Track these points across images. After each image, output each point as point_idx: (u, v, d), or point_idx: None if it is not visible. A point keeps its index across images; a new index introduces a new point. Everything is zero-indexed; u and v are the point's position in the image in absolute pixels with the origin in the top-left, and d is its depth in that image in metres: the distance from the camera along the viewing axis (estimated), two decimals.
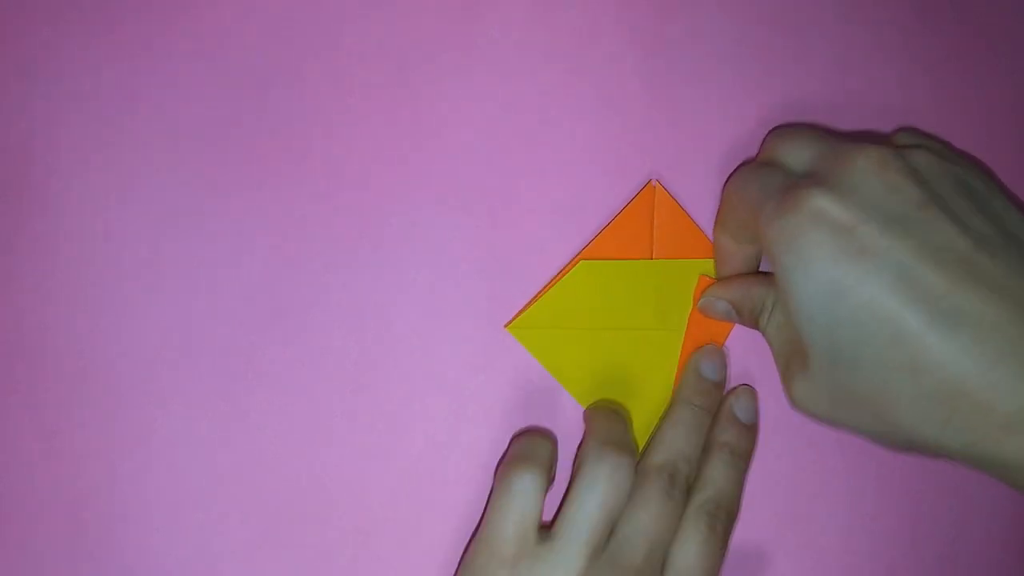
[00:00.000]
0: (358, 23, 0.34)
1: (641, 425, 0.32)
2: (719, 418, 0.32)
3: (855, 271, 0.24)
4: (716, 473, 0.30)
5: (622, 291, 0.32)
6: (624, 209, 0.33)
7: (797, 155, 0.28)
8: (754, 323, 0.30)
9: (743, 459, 0.31)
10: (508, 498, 0.29)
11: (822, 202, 0.24)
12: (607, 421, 0.31)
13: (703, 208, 0.33)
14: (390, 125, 0.34)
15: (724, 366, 0.32)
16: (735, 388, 0.32)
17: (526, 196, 0.33)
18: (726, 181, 0.31)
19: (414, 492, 0.32)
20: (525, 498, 0.28)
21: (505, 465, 0.30)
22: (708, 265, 0.32)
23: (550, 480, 0.30)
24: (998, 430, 0.22)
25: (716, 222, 0.31)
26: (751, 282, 0.30)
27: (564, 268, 0.33)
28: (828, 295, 0.24)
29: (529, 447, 0.30)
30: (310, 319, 0.33)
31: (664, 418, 0.32)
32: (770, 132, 0.31)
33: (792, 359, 0.27)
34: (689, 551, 0.29)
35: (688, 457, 0.30)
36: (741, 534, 0.32)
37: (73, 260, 0.33)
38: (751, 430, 0.32)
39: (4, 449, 0.32)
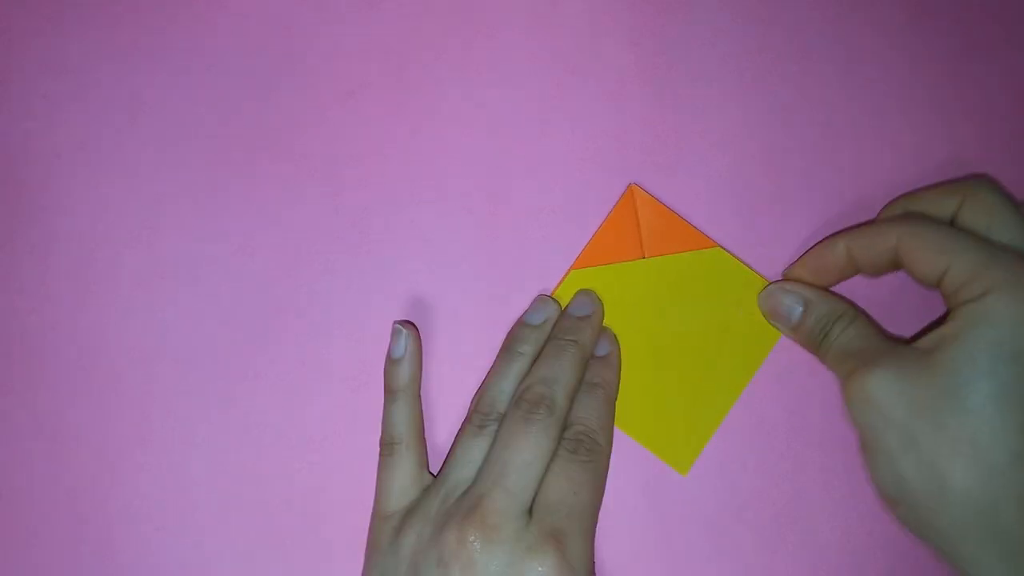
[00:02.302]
0: (358, 23, 0.34)
1: (646, 424, 0.32)
2: (560, 318, 0.32)
3: (1010, 365, 0.25)
4: (576, 405, 0.30)
5: (618, 294, 0.32)
6: (608, 217, 0.33)
7: (1008, 231, 0.28)
8: (819, 329, 0.30)
9: (601, 388, 0.31)
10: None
11: None
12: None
13: (702, 208, 0.33)
14: (390, 126, 0.34)
15: (594, 301, 0.32)
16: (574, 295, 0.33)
17: (527, 196, 0.33)
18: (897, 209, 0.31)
19: None
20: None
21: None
22: (702, 256, 0.32)
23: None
24: None
25: (844, 234, 0.31)
26: (828, 292, 0.31)
27: (558, 283, 0.33)
28: (1013, 353, 0.25)
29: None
30: (310, 319, 0.33)
31: None
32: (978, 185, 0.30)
33: (874, 356, 0.28)
34: (550, 481, 0.29)
35: (548, 380, 0.30)
36: (741, 534, 0.32)
37: (73, 260, 0.33)
38: (606, 360, 0.32)
39: (4, 449, 0.32)
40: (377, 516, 0.31)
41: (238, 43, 0.34)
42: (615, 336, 0.32)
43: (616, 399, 0.32)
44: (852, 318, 0.30)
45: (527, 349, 0.31)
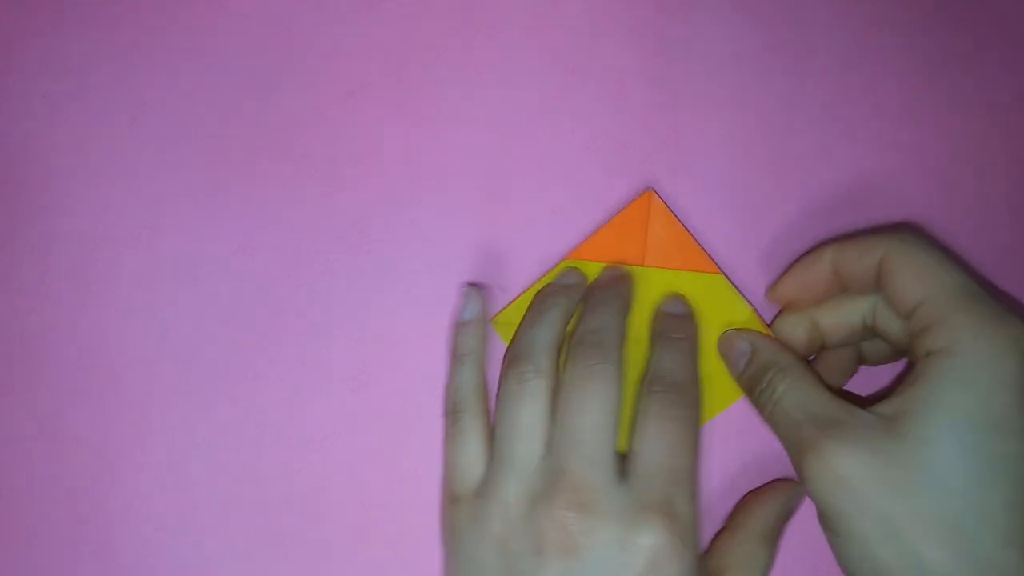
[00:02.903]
0: (358, 23, 0.34)
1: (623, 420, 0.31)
2: (653, 323, 0.31)
3: (991, 437, 0.23)
4: (655, 360, 0.29)
5: None
6: (618, 214, 0.32)
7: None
8: (759, 377, 0.28)
9: (684, 340, 0.29)
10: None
11: None
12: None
13: (702, 209, 0.33)
14: (390, 125, 0.34)
15: (620, 272, 0.31)
16: (663, 298, 0.31)
17: (526, 196, 0.33)
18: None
19: (414, 492, 0.32)
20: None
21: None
22: (700, 279, 0.32)
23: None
24: None
25: (829, 245, 0.29)
26: (780, 343, 0.29)
27: (549, 270, 0.32)
28: (993, 422, 0.23)
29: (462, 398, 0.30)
30: (310, 319, 0.33)
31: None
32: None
33: (833, 427, 0.25)
34: (645, 442, 0.27)
35: (599, 329, 0.28)
36: None
37: (73, 260, 0.33)
38: (683, 317, 0.30)
39: (4, 449, 0.32)
40: (448, 498, 0.29)
41: (238, 43, 0.34)
42: (689, 302, 0.31)
43: (698, 356, 0.30)
44: (799, 375, 0.27)
45: (560, 301, 0.29)
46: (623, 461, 0.27)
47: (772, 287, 0.31)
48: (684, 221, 0.33)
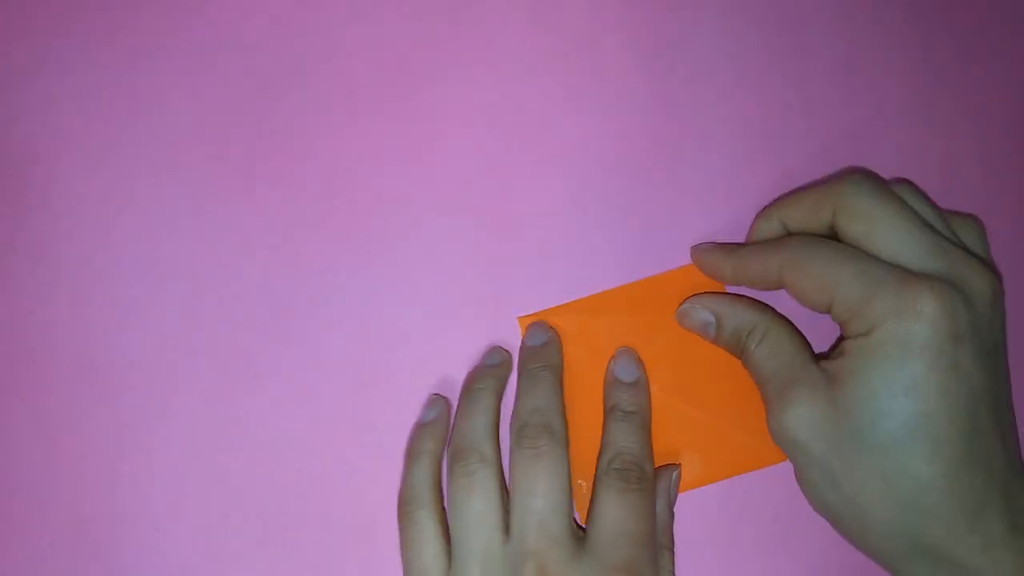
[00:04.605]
0: (358, 24, 0.34)
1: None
2: (605, 385, 0.32)
3: (939, 381, 0.25)
4: (614, 435, 0.30)
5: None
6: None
7: (901, 240, 0.27)
8: (734, 342, 0.30)
9: (635, 414, 0.30)
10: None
11: (947, 304, 0.25)
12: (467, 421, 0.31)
13: (702, 208, 0.33)
14: (390, 126, 0.34)
15: (546, 331, 0.32)
16: (615, 353, 0.32)
17: (527, 196, 0.33)
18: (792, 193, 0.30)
19: None
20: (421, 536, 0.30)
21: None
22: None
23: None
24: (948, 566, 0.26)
25: (729, 262, 0.31)
26: (742, 302, 0.30)
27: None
28: (904, 387, 0.25)
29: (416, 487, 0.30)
30: (311, 319, 0.33)
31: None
32: (850, 178, 0.29)
33: (788, 386, 0.28)
34: (606, 511, 0.28)
35: (540, 409, 0.29)
36: (741, 534, 0.32)
37: (73, 260, 0.33)
38: (636, 386, 0.31)
39: (4, 449, 0.32)
40: None
41: (238, 43, 0.34)
42: (640, 360, 0.32)
43: (649, 426, 0.31)
44: (765, 331, 0.29)
45: (490, 383, 0.31)
46: (578, 530, 0.29)
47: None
48: (684, 221, 0.33)
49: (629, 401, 0.31)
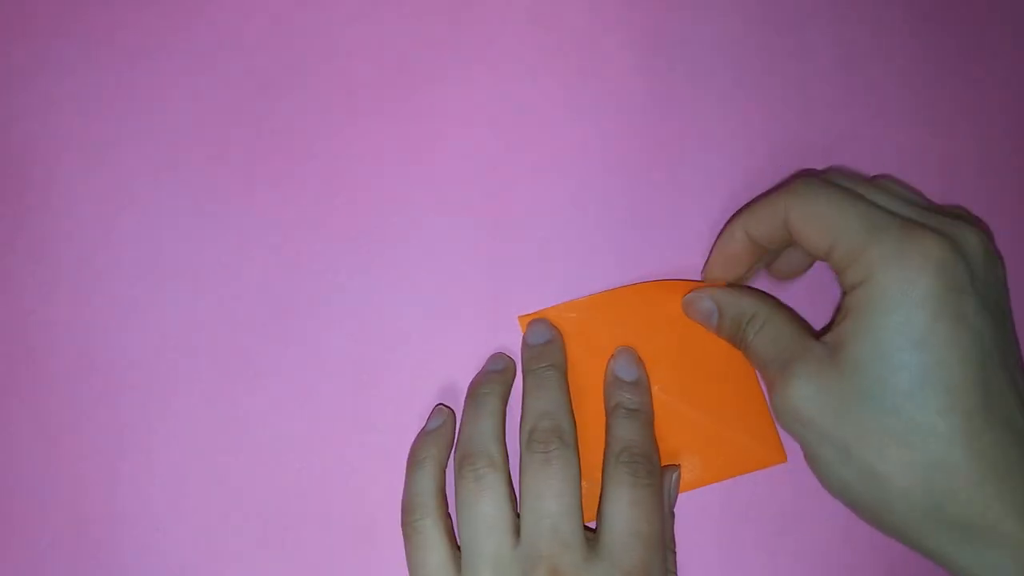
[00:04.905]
0: (359, 24, 0.34)
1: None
2: (606, 385, 0.31)
3: (946, 330, 0.24)
4: (618, 431, 0.30)
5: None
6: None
7: (893, 200, 0.28)
8: (735, 330, 0.30)
9: (639, 411, 0.30)
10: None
11: (948, 255, 0.25)
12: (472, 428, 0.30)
13: (702, 207, 0.33)
14: (390, 126, 0.34)
15: (548, 328, 0.32)
16: (614, 352, 0.32)
17: (527, 196, 0.33)
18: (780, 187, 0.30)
19: None
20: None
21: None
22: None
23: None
24: (962, 531, 0.25)
25: (738, 217, 0.30)
26: (740, 291, 0.30)
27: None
28: (912, 340, 0.25)
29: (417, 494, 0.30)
30: (311, 319, 0.33)
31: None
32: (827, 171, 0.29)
33: (789, 364, 0.27)
34: (617, 511, 0.28)
35: (549, 412, 0.29)
36: (741, 533, 0.32)
37: (73, 260, 0.33)
38: (637, 384, 0.31)
39: (4, 449, 0.32)
40: None
41: (238, 43, 0.34)
42: (640, 359, 0.32)
43: (653, 425, 0.31)
44: (765, 318, 0.29)
45: (495, 388, 0.31)
46: (590, 532, 0.29)
47: (704, 272, 0.32)
48: (684, 221, 0.33)
49: (632, 399, 0.30)
